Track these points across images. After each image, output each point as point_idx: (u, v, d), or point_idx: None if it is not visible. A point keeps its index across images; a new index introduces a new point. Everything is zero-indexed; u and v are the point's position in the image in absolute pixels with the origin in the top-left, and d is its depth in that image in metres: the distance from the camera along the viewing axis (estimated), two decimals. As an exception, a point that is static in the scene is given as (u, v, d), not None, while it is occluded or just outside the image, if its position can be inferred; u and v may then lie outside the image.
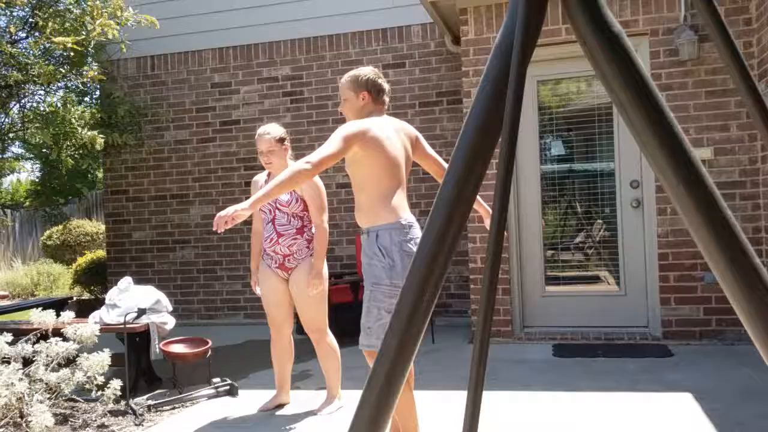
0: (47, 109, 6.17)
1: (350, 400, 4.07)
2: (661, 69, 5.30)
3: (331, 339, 4.01)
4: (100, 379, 3.74)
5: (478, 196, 2.85)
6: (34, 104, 6.98)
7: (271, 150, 3.94)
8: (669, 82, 5.29)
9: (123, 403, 4.06)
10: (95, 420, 3.89)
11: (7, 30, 6.54)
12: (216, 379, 4.49)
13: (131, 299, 4.60)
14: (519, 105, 0.57)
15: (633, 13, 5.37)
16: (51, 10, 5.96)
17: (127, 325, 4.38)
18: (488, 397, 3.96)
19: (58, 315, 4.14)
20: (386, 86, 3.26)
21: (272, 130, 4.00)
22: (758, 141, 5.15)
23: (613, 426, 3.48)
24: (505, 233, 5.33)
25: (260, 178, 4.10)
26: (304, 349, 4.88)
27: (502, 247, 0.60)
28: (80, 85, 7.59)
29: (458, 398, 3.99)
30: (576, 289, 5.81)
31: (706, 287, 5.20)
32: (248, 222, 7.42)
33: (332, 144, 2.86)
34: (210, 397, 4.38)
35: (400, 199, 2.96)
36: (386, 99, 3.26)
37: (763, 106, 0.55)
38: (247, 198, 3.05)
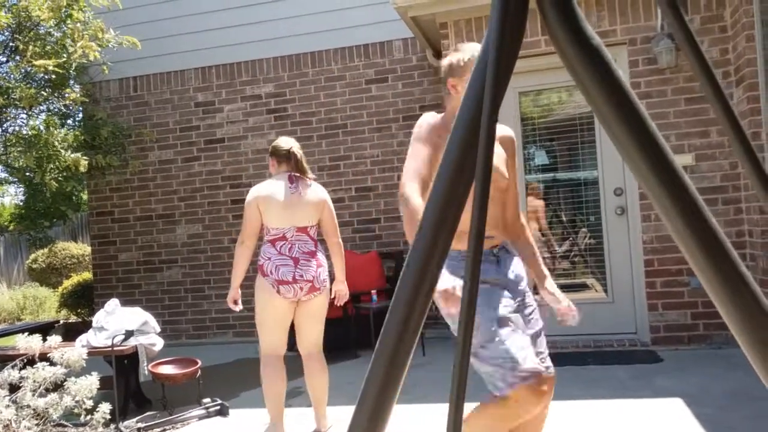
0: (30, 133, 6.13)
1: (342, 416, 4.05)
2: (640, 77, 5.36)
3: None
4: (89, 403, 3.70)
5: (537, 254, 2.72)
6: (17, 128, 6.94)
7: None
8: (648, 90, 5.35)
9: (113, 426, 4.02)
10: (85, 445, 3.85)
11: (-12, 54, 6.51)
12: (206, 399, 4.46)
13: (119, 321, 4.57)
14: (491, 143, 0.58)
15: (611, 23, 5.44)
16: (31, 33, 5.94)
17: (115, 348, 4.35)
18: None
19: (44, 339, 4.10)
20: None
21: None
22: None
23: (605, 433, 3.48)
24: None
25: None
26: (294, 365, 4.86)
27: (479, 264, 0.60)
28: (62, 108, 7.54)
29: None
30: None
31: (692, 292, 5.24)
32: (236, 240, 7.40)
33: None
34: (201, 417, 4.35)
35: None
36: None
37: (732, 114, 0.56)
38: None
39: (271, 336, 3.75)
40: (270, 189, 3.72)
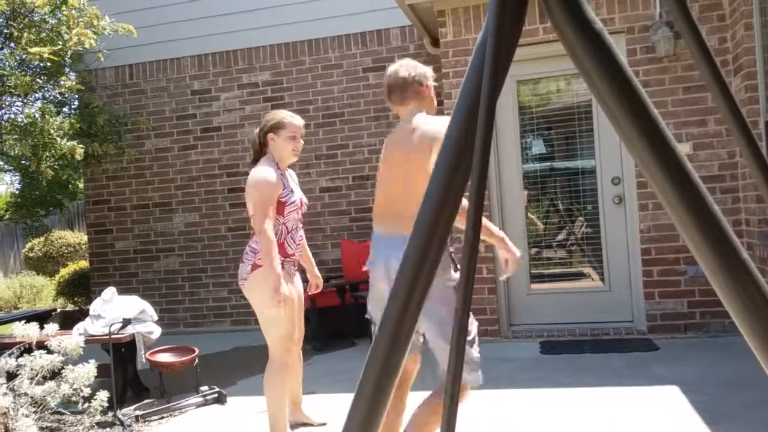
0: (25, 121, 6.10)
1: (341, 404, 4.06)
2: (638, 66, 5.35)
3: None
4: (87, 391, 3.71)
5: (486, 222, 2.71)
6: (12, 116, 6.90)
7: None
8: (646, 79, 5.34)
9: (110, 414, 4.03)
10: (83, 432, 3.86)
11: (-18, 42, 6.47)
12: (204, 387, 4.47)
13: (116, 310, 4.57)
14: (488, 140, 0.57)
15: (609, 11, 5.42)
16: (26, 20, 5.90)
17: (113, 336, 4.35)
18: (477, 395, 3.97)
19: (41, 327, 4.10)
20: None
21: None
22: (736, 135, 5.22)
23: (601, 421, 3.50)
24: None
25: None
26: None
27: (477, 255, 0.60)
28: (58, 96, 7.51)
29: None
30: (561, 286, 5.85)
31: (689, 281, 5.26)
32: (233, 228, 7.40)
33: None
34: (198, 405, 4.36)
35: None
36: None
37: (732, 102, 0.56)
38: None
39: (289, 324, 3.50)
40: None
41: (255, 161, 3.52)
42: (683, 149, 5.25)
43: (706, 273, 0.59)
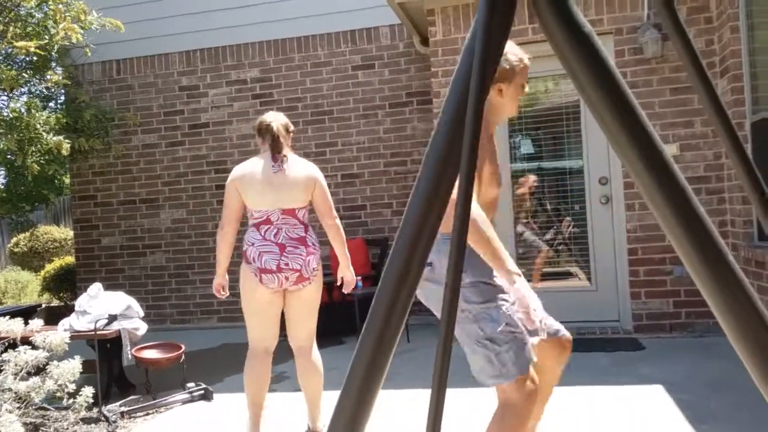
0: (11, 115, 6.05)
1: (329, 401, 4.06)
2: (626, 67, 5.38)
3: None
4: (72, 387, 3.69)
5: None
6: (-3, 110, 6.84)
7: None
8: (634, 80, 5.37)
9: (95, 410, 4.01)
10: (67, 428, 3.84)
11: (-32, 35, 6.40)
12: (190, 384, 4.45)
13: (102, 305, 4.54)
14: (477, 137, 0.57)
15: (597, 12, 5.44)
16: (12, 14, 5.84)
17: (98, 332, 4.33)
18: (461, 394, 3.98)
19: (26, 323, 4.07)
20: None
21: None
22: (722, 136, 5.26)
23: (587, 419, 3.52)
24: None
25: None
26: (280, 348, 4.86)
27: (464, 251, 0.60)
28: (44, 90, 7.45)
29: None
30: (547, 285, 5.87)
31: (675, 281, 5.30)
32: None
33: None
34: (184, 402, 4.35)
35: None
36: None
37: (719, 104, 0.56)
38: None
39: (256, 329, 3.43)
40: (249, 168, 3.39)
41: (281, 154, 3.41)
42: (670, 150, 5.29)
43: (690, 273, 0.59)
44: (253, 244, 3.35)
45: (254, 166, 3.40)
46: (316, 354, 3.55)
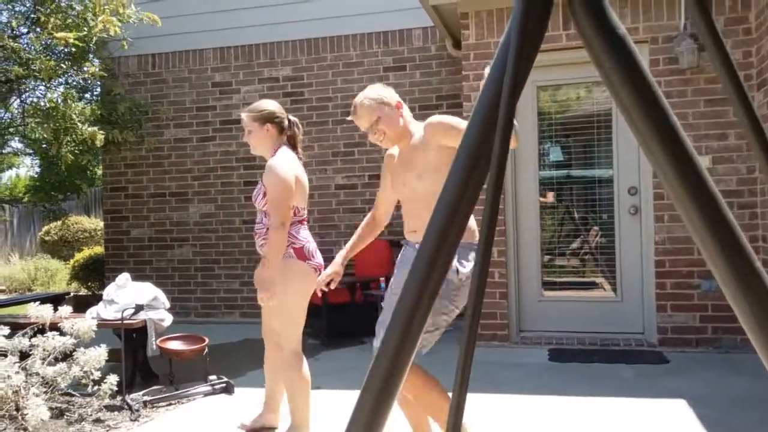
0: (47, 105, 6.16)
1: (346, 400, 4.07)
2: (661, 77, 5.32)
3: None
4: (97, 374, 3.75)
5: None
6: (35, 99, 6.98)
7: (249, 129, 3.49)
8: (668, 90, 5.31)
9: (119, 398, 4.07)
10: (91, 414, 3.90)
11: (9, 25, 6.54)
12: (212, 377, 4.50)
13: (129, 295, 4.61)
14: (507, 143, 0.58)
15: (633, 20, 5.39)
16: (53, 5, 5.96)
17: (125, 321, 4.39)
18: (483, 399, 3.97)
19: (55, 310, 4.14)
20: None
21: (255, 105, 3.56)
22: (756, 150, 5.17)
23: (607, 431, 3.49)
24: (504, 238, 5.30)
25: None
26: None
27: (491, 253, 0.60)
28: (81, 82, 7.58)
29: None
30: (573, 294, 5.83)
31: (702, 295, 5.22)
32: (247, 221, 7.44)
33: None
34: (206, 394, 4.39)
35: None
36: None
37: (754, 117, 0.56)
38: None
39: (300, 327, 3.36)
40: (296, 163, 3.36)
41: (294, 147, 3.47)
42: (702, 162, 5.21)
43: (721, 286, 0.59)
44: (308, 240, 3.34)
45: (296, 161, 3.38)
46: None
